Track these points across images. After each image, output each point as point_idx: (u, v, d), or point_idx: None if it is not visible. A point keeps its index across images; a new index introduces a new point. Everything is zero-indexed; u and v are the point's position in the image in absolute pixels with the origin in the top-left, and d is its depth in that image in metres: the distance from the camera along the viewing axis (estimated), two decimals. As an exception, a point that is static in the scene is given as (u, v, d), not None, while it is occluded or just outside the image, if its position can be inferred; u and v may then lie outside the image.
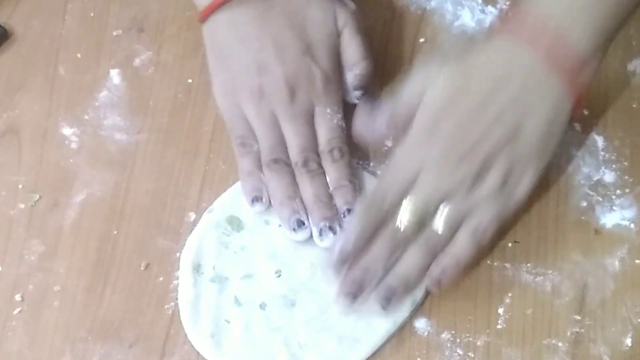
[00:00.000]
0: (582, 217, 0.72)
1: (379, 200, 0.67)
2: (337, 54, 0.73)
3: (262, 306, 0.69)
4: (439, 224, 0.67)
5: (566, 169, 0.73)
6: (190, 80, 0.78)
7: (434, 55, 0.76)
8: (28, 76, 0.79)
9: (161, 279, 0.71)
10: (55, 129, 0.76)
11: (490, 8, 0.80)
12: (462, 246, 0.67)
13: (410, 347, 0.68)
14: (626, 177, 0.73)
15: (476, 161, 0.66)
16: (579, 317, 0.68)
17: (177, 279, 0.70)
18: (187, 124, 0.75)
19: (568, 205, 0.72)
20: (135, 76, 0.78)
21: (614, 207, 0.72)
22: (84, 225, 0.73)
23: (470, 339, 0.68)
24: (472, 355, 0.67)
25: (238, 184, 0.72)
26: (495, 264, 0.70)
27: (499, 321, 0.69)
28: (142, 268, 0.71)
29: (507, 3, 0.79)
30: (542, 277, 0.70)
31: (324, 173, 0.70)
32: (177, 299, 0.70)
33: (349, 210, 0.69)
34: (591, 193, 0.72)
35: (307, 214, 0.69)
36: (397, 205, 0.67)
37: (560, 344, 0.67)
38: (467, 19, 0.79)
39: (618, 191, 0.72)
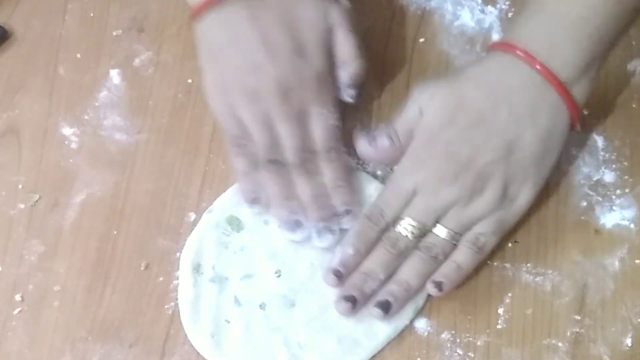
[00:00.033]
0: (582, 217, 0.72)
1: (379, 212, 0.68)
2: (329, 52, 0.72)
3: (262, 306, 0.69)
4: (440, 234, 0.67)
5: (566, 169, 0.73)
6: (190, 80, 0.78)
7: (430, 78, 0.76)
8: (28, 76, 0.79)
9: (161, 279, 0.71)
10: (55, 129, 0.76)
11: (490, 8, 0.79)
12: (463, 256, 0.67)
13: (410, 347, 0.68)
14: (626, 177, 0.73)
15: (471, 176, 0.67)
16: (579, 317, 0.68)
17: (177, 279, 0.70)
18: (187, 124, 0.75)
19: (568, 205, 0.72)
20: (135, 76, 0.78)
21: (614, 207, 0.72)
22: (84, 225, 0.73)
23: (470, 339, 0.68)
24: (472, 355, 0.67)
25: (238, 184, 0.72)
26: (495, 264, 0.70)
27: (499, 321, 0.69)
28: (142, 268, 0.71)
29: (507, 3, 0.79)
30: (542, 277, 0.70)
31: (319, 173, 0.70)
32: (177, 299, 0.70)
33: (347, 211, 0.69)
34: (591, 193, 0.72)
35: (304, 215, 0.69)
36: (396, 218, 0.68)
37: (560, 344, 0.67)
38: (467, 19, 0.79)
39: (618, 191, 0.72)
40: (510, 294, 0.69)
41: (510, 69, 0.68)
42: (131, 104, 0.77)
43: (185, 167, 0.75)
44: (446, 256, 0.67)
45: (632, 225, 0.71)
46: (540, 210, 0.71)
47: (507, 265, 0.70)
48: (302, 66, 0.70)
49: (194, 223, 0.72)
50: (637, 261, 0.70)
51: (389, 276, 0.67)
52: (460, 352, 0.68)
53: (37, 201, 0.74)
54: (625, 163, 0.73)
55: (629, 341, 0.67)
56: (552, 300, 0.69)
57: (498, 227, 0.68)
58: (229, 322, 0.68)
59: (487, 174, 0.67)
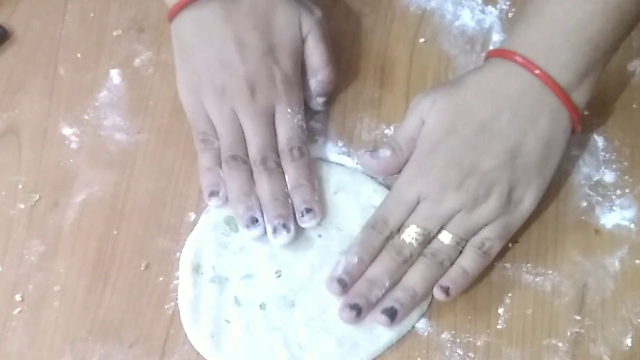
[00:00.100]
0: (582, 217, 0.72)
1: (383, 220, 0.68)
2: (299, 58, 0.73)
3: (262, 306, 0.69)
4: (445, 240, 0.67)
5: (566, 169, 0.73)
6: (190, 80, 0.78)
7: (429, 83, 0.76)
8: (28, 76, 0.79)
9: (161, 279, 0.71)
10: (55, 129, 0.76)
11: (490, 8, 0.80)
12: (469, 261, 0.67)
13: (410, 347, 0.68)
14: (626, 177, 0.73)
15: (475, 183, 0.67)
16: (579, 317, 0.68)
17: (177, 279, 0.70)
18: (187, 124, 0.75)
19: (568, 205, 0.72)
20: (135, 76, 0.78)
21: (614, 207, 0.72)
22: (84, 225, 0.73)
23: (470, 339, 0.68)
24: (472, 355, 0.67)
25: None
26: (495, 264, 0.70)
27: (499, 321, 0.69)
28: (142, 268, 0.71)
29: (508, 3, 0.79)
30: (542, 277, 0.70)
31: (282, 172, 0.71)
32: (177, 299, 0.70)
33: (307, 210, 0.69)
34: (591, 193, 0.72)
35: (262, 212, 0.70)
36: (400, 226, 0.68)
37: (560, 344, 0.67)
38: (467, 19, 0.79)
39: (618, 191, 0.72)
40: (510, 294, 0.69)
41: (509, 76, 0.68)
42: (131, 104, 0.77)
43: (185, 167, 0.75)
44: (452, 262, 0.67)
45: (632, 225, 0.71)
46: (540, 210, 0.71)
47: (507, 265, 0.70)
48: (271, 66, 0.71)
49: (194, 223, 0.72)
50: (637, 261, 0.70)
51: (394, 283, 0.67)
52: (460, 352, 0.68)
53: (37, 201, 0.74)
54: (625, 163, 0.73)
55: (629, 341, 0.67)
56: (552, 300, 0.69)
57: (503, 231, 0.68)
58: (229, 322, 0.68)
59: (490, 179, 0.67)
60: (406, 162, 0.70)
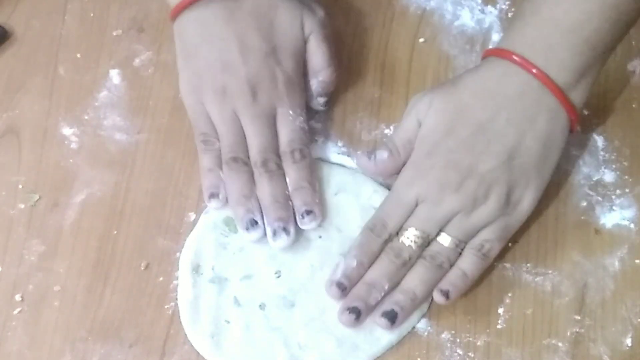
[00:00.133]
0: (582, 217, 0.72)
1: (381, 223, 0.68)
2: (302, 58, 0.73)
3: (262, 306, 0.69)
4: (445, 242, 0.67)
5: (566, 169, 0.73)
6: (190, 80, 0.78)
7: (428, 84, 0.76)
8: (28, 76, 0.79)
9: (161, 279, 0.71)
10: (55, 129, 0.76)
11: (490, 8, 0.80)
12: (469, 263, 0.67)
13: (410, 347, 0.68)
14: (626, 177, 0.73)
15: (473, 184, 0.67)
16: (579, 317, 0.68)
17: (177, 279, 0.70)
18: (187, 124, 0.75)
19: (568, 205, 0.72)
20: (135, 76, 0.78)
21: (614, 207, 0.72)
22: (84, 225, 0.73)
23: (470, 339, 0.68)
24: (472, 355, 0.67)
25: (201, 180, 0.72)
26: (495, 264, 0.70)
27: (499, 321, 0.69)
28: (142, 268, 0.71)
29: (507, 3, 0.79)
30: (542, 277, 0.70)
31: (283, 174, 0.70)
32: (177, 299, 0.70)
33: (307, 212, 0.69)
34: (591, 193, 0.72)
35: (262, 214, 0.69)
36: (399, 228, 0.68)
37: (560, 344, 0.67)
38: (467, 19, 0.79)
39: (618, 191, 0.72)
40: (510, 294, 0.69)
41: (507, 75, 0.68)
42: (131, 104, 0.77)
43: (185, 167, 0.75)
44: (451, 264, 0.67)
45: (632, 225, 0.71)
46: (540, 210, 0.71)
47: (507, 265, 0.70)
48: (272, 67, 0.71)
49: (194, 223, 0.72)
50: (637, 261, 0.70)
51: (393, 286, 0.67)
52: (460, 352, 0.68)
53: (37, 201, 0.74)
54: (625, 163, 0.73)
55: (629, 341, 0.67)
56: (552, 300, 0.69)
57: (502, 232, 0.68)
58: (228, 322, 0.68)
59: (489, 180, 0.67)
60: (404, 164, 0.70)
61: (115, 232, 0.72)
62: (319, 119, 0.76)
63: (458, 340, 0.68)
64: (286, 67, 0.72)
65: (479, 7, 0.80)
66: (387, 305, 0.66)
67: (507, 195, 0.67)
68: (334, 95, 0.76)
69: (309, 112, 0.75)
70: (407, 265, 0.67)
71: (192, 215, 0.73)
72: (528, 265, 0.70)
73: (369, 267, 0.67)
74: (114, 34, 0.80)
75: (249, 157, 0.71)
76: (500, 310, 0.69)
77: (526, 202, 0.68)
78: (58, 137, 0.76)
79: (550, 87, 0.67)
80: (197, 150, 0.72)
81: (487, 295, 0.69)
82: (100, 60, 0.79)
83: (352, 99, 0.77)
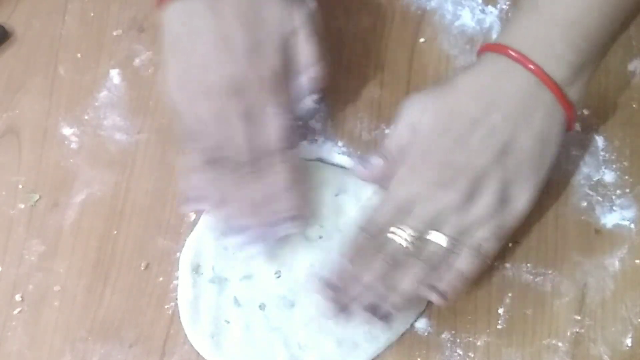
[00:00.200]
0: (582, 217, 0.72)
1: (375, 223, 0.67)
2: (289, 53, 0.70)
3: (262, 307, 0.69)
4: (440, 239, 0.66)
5: (566, 169, 0.73)
6: (190, 80, 0.78)
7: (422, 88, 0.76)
8: (28, 76, 0.79)
9: (161, 279, 0.71)
10: (55, 129, 0.76)
11: (490, 8, 0.79)
12: (465, 263, 0.66)
13: (410, 347, 0.68)
14: (626, 177, 0.73)
15: (468, 180, 0.66)
16: (579, 317, 0.68)
17: (177, 279, 0.70)
18: (187, 124, 0.75)
19: (568, 205, 0.72)
20: (135, 76, 0.78)
21: (614, 207, 0.72)
22: (84, 225, 0.73)
23: (470, 339, 0.68)
24: (472, 355, 0.67)
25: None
26: (495, 264, 0.70)
27: (499, 321, 0.69)
28: (142, 268, 0.71)
29: (507, 3, 0.79)
30: (542, 277, 0.70)
31: (268, 175, 0.69)
32: (177, 299, 0.70)
33: (290, 215, 0.68)
34: (591, 193, 0.72)
35: (244, 216, 0.68)
36: (393, 227, 0.66)
37: (560, 344, 0.67)
38: (467, 19, 0.79)
39: (618, 191, 0.72)
40: (510, 294, 0.69)
41: (503, 72, 0.67)
42: (131, 104, 0.77)
43: (185, 167, 0.75)
44: (446, 264, 0.66)
45: (632, 225, 0.71)
46: (541, 210, 0.71)
47: (507, 265, 0.70)
48: (258, 65, 0.69)
49: (194, 223, 0.72)
50: (637, 261, 0.70)
51: (388, 287, 0.66)
52: (460, 352, 0.68)
53: (37, 201, 0.74)
54: (625, 163, 0.73)
55: (629, 341, 0.67)
56: (552, 300, 0.69)
57: (498, 231, 0.67)
58: (228, 322, 0.68)
59: (483, 177, 0.66)
60: (398, 169, 0.68)
61: (115, 232, 0.72)
62: (319, 119, 0.76)
63: (458, 340, 0.68)
64: (272, 64, 0.69)
65: (480, 7, 0.80)
66: (382, 307, 0.66)
67: (501, 192, 0.66)
68: (333, 95, 0.76)
69: (309, 112, 0.75)
70: (402, 266, 0.66)
71: (192, 215, 0.73)
72: (528, 265, 0.70)
73: (363, 267, 0.66)
74: (114, 34, 0.80)
75: (233, 157, 0.69)
76: (500, 310, 0.69)
77: (522, 200, 0.67)
78: (58, 137, 0.76)
79: (547, 83, 0.66)
80: (181, 148, 0.71)
81: (487, 295, 0.69)
82: (100, 60, 0.79)
83: (352, 99, 0.77)
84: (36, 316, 0.70)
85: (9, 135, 0.76)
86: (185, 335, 0.69)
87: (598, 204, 0.72)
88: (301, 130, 0.75)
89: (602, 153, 0.73)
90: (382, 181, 0.70)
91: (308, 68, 0.71)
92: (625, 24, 0.68)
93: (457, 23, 0.79)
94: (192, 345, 0.68)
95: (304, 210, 0.69)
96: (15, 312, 0.70)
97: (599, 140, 0.74)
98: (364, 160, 0.70)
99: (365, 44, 0.79)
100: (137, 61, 0.79)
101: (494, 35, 0.78)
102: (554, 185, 0.72)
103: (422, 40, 0.79)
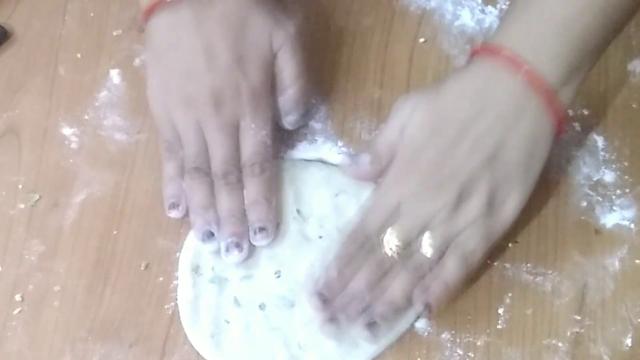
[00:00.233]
0: (582, 217, 0.72)
1: (362, 231, 0.67)
2: (270, 71, 0.72)
3: (262, 307, 0.69)
4: (426, 250, 0.66)
5: (566, 169, 0.73)
6: (190, 80, 0.78)
7: (411, 91, 0.76)
8: (28, 76, 0.79)
9: (161, 279, 0.71)
10: (55, 129, 0.76)
11: (490, 8, 0.80)
12: (450, 270, 0.66)
13: (410, 347, 0.68)
14: (626, 177, 0.73)
15: (456, 186, 0.65)
16: (579, 317, 0.68)
17: (177, 279, 0.70)
18: (187, 124, 0.75)
19: (568, 205, 0.72)
20: (135, 76, 0.78)
21: (614, 207, 0.72)
22: (84, 225, 0.73)
23: (470, 339, 0.68)
24: (472, 355, 0.67)
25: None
26: (495, 264, 0.70)
27: (499, 321, 0.68)
28: (142, 268, 0.71)
29: (507, 3, 0.79)
30: (542, 277, 0.70)
31: (242, 188, 0.70)
32: (177, 299, 0.70)
33: (260, 229, 0.69)
34: (591, 193, 0.72)
35: (213, 227, 0.69)
36: (380, 235, 0.66)
37: (560, 344, 0.67)
38: (467, 19, 0.79)
39: (618, 191, 0.72)
40: (510, 294, 0.69)
41: (493, 76, 0.67)
42: (131, 104, 0.77)
43: (185, 167, 0.75)
44: (432, 274, 0.66)
45: (632, 225, 0.71)
46: (540, 210, 0.71)
47: (507, 265, 0.70)
48: (238, 79, 0.70)
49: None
50: (637, 261, 0.70)
51: (375, 296, 0.66)
52: (460, 352, 0.68)
53: (37, 201, 0.74)
54: (625, 163, 0.73)
55: (629, 341, 0.67)
56: (552, 300, 0.69)
57: (486, 236, 0.66)
58: (228, 322, 0.68)
59: (471, 181, 0.65)
60: (386, 168, 0.68)
61: (115, 232, 0.72)
62: (319, 119, 0.76)
63: (458, 340, 0.68)
64: (252, 79, 0.70)
65: (479, 7, 0.80)
66: (369, 317, 0.65)
67: (489, 197, 0.66)
68: (333, 95, 0.76)
69: (309, 112, 0.75)
70: (389, 274, 0.66)
71: (192, 215, 0.73)
72: (528, 265, 0.70)
73: (351, 275, 0.66)
74: (114, 34, 0.80)
75: (210, 168, 0.70)
76: (500, 310, 0.69)
77: (510, 205, 0.66)
78: (58, 137, 0.76)
79: (537, 87, 0.66)
80: (161, 156, 0.72)
81: (487, 295, 0.69)
82: (100, 60, 0.79)
83: (352, 99, 0.77)
84: (36, 316, 0.70)
85: (9, 135, 0.76)
86: (185, 335, 0.69)
87: (598, 204, 0.72)
88: (301, 130, 0.75)
89: (602, 153, 0.73)
90: (368, 180, 0.70)
91: (286, 89, 0.72)
92: (622, 23, 0.68)
93: (456, 23, 0.79)
94: (192, 345, 0.68)
95: (271, 224, 0.70)
96: (15, 312, 0.70)
97: (599, 140, 0.74)
98: (353, 158, 0.70)
99: (365, 44, 0.79)
100: (137, 61, 0.79)
101: (494, 36, 0.78)
102: (554, 185, 0.72)
103: (421, 40, 0.79)
